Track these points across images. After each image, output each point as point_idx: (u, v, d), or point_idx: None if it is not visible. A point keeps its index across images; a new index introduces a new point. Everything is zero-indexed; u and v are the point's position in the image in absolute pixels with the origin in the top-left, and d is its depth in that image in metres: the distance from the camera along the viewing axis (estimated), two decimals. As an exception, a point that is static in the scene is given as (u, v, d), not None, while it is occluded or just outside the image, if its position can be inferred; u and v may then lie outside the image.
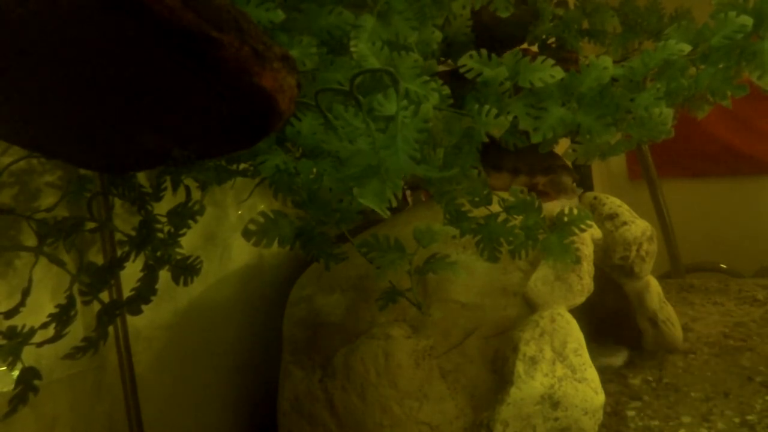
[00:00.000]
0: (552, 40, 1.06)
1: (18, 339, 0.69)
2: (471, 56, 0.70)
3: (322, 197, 0.64)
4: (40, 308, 0.76)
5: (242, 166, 0.79)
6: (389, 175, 0.48)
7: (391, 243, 0.69)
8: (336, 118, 0.52)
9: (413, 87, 0.60)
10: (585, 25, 1.05)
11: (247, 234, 0.65)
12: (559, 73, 0.68)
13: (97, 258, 0.87)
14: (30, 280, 0.73)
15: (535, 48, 1.06)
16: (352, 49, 0.60)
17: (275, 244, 0.66)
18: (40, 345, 0.71)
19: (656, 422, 0.96)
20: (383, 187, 0.49)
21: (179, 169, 0.77)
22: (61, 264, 0.74)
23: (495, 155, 1.07)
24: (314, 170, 0.58)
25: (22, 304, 0.72)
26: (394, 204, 0.50)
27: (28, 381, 0.70)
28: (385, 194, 0.49)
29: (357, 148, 0.50)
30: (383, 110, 0.53)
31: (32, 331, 0.70)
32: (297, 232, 0.67)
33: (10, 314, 0.71)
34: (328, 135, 0.54)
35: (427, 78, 0.62)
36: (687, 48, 0.72)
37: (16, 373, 0.71)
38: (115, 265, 0.81)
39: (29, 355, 0.71)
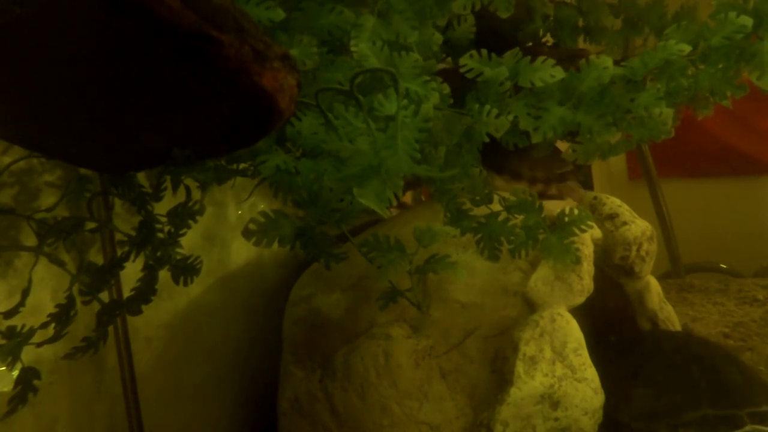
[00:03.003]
0: (547, 38, 1.05)
1: (17, 339, 0.69)
2: (471, 56, 0.69)
3: (323, 197, 0.64)
4: (41, 308, 0.76)
5: (242, 165, 0.79)
6: (389, 175, 0.48)
7: (392, 243, 0.69)
8: (336, 118, 0.52)
9: (413, 86, 0.60)
10: (580, 23, 1.04)
11: (247, 234, 0.65)
12: (559, 72, 0.67)
13: (97, 258, 0.87)
14: (29, 281, 0.73)
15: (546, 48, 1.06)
16: (353, 48, 0.60)
17: (275, 244, 0.66)
18: (39, 345, 0.71)
19: (656, 422, 0.95)
20: (383, 187, 0.49)
21: (179, 169, 0.77)
22: (61, 264, 0.74)
23: (514, 163, 1.08)
24: (315, 170, 0.58)
25: (21, 304, 0.72)
26: (395, 203, 0.50)
27: (28, 381, 0.70)
28: (386, 194, 0.49)
29: (357, 148, 0.50)
30: (383, 110, 0.53)
31: (32, 331, 0.70)
32: (297, 232, 0.67)
33: (9, 314, 0.71)
34: (329, 135, 0.54)
35: (427, 78, 0.61)
36: (687, 48, 0.72)
37: (15, 373, 0.71)
38: (115, 265, 0.81)
39: (29, 354, 0.71)
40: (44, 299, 0.79)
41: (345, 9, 0.62)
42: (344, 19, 0.62)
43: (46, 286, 0.80)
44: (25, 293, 0.72)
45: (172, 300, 1.00)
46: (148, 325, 0.95)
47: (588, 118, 0.69)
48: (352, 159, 0.50)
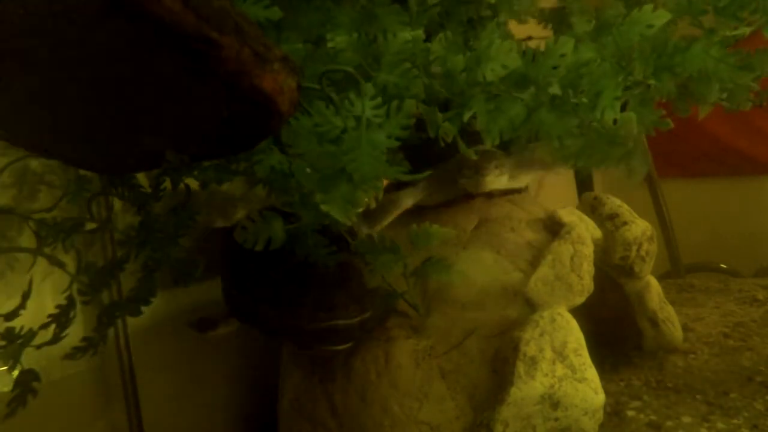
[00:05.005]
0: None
1: (18, 341, 0.69)
2: (440, 40, 0.60)
3: (312, 199, 0.62)
4: (42, 309, 0.76)
5: (243, 165, 0.79)
6: (362, 178, 0.46)
7: (387, 244, 0.68)
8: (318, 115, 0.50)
9: (393, 79, 0.56)
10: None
11: (239, 234, 0.64)
12: (513, 61, 0.57)
13: (97, 258, 0.87)
14: (30, 282, 0.73)
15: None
16: (329, 43, 0.58)
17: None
18: (39, 347, 0.71)
19: (656, 422, 0.96)
20: (353, 192, 0.47)
21: (179, 170, 0.77)
22: (60, 265, 0.73)
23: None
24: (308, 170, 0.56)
25: (22, 306, 0.72)
26: (361, 208, 0.48)
27: (27, 383, 0.70)
28: (356, 199, 0.47)
29: (324, 149, 0.48)
30: (353, 110, 0.50)
31: (32, 334, 0.70)
32: (291, 233, 0.66)
33: (10, 316, 0.71)
34: (309, 135, 0.52)
35: (410, 65, 0.56)
36: (665, 16, 0.58)
37: (15, 374, 0.71)
38: (115, 266, 0.81)
39: (29, 355, 0.71)
40: (46, 300, 0.79)
41: (332, 6, 0.60)
42: (330, 16, 0.60)
43: (48, 287, 0.80)
44: (26, 295, 0.72)
45: (174, 300, 0.99)
46: (149, 325, 0.95)
47: (550, 116, 0.59)
48: (319, 161, 0.49)
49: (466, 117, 0.59)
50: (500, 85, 0.58)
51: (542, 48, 0.59)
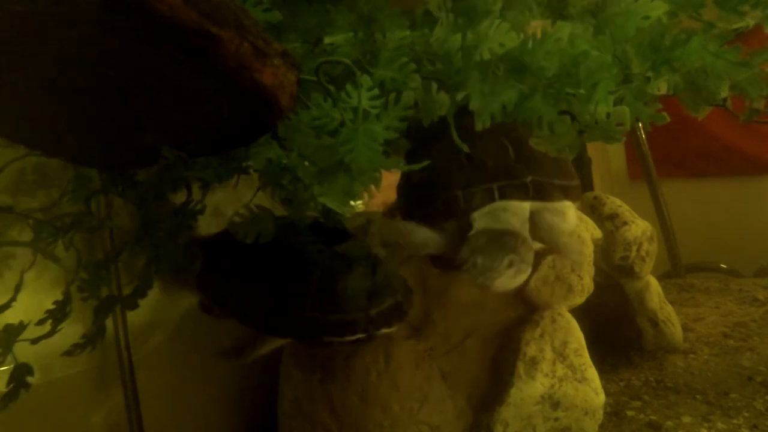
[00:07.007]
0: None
1: (8, 335, 0.68)
2: (442, 24, 0.59)
3: (304, 194, 0.62)
4: (40, 307, 0.76)
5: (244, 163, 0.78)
6: (359, 170, 0.46)
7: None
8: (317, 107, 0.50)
9: (390, 74, 0.55)
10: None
11: (232, 227, 0.65)
12: (511, 41, 0.55)
13: (97, 256, 0.87)
14: (21, 275, 0.72)
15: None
16: (326, 40, 0.58)
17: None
18: (34, 342, 0.70)
19: (656, 422, 0.96)
20: (351, 184, 0.47)
21: (179, 167, 0.77)
22: (55, 259, 0.73)
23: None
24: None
25: (13, 299, 0.71)
26: (359, 202, 0.48)
27: (21, 378, 0.69)
28: (354, 191, 0.47)
29: (322, 142, 0.48)
30: (351, 101, 0.50)
31: (22, 327, 0.69)
32: (286, 228, 0.66)
33: (1, 309, 0.71)
34: (307, 129, 0.52)
35: (406, 60, 0.56)
36: (662, 7, 0.56)
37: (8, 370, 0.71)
38: (110, 260, 0.80)
39: (29, 354, 0.71)
40: (43, 299, 0.79)
41: (331, 8, 0.60)
42: (328, 19, 0.60)
43: (44, 285, 0.80)
44: (18, 288, 0.71)
45: (173, 299, 0.99)
46: (149, 324, 0.95)
47: (544, 103, 0.57)
48: (317, 154, 0.48)
49: (460, 97, 0.57)
50: (496, 67, 0.57)
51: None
